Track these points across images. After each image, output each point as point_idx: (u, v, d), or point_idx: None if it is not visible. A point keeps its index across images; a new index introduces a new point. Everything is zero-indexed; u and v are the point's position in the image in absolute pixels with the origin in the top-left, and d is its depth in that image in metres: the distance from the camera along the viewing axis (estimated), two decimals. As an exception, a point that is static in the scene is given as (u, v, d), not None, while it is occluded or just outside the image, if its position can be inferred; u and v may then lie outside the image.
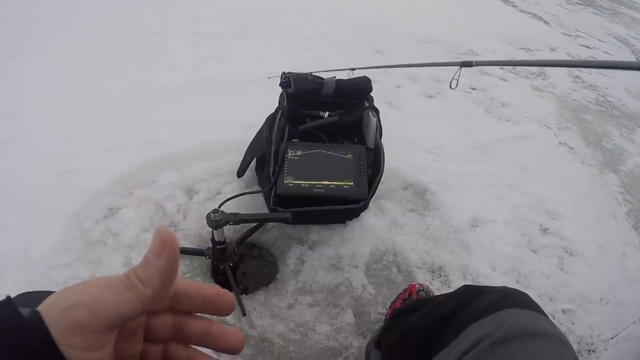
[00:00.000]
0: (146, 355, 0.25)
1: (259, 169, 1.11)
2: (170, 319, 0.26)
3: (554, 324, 0.45)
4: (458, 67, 0.53)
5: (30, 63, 1.57)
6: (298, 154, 0.97)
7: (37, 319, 0.19)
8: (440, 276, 1.03)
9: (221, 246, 0.84)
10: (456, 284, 1.02)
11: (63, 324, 0.19)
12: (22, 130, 1.24)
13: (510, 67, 2.27)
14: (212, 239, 0.83)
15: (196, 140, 1.24)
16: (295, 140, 1.03)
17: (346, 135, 1.10)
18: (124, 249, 0.95)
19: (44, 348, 0.18)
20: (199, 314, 0.27)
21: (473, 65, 0.51)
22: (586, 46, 2.94)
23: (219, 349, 0.26)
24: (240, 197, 0.96)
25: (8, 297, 0.20)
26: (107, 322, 0.20)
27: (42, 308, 0.19)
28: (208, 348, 0.26)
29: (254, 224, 0.99)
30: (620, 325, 1.04)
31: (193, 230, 1.02)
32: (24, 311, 0.19)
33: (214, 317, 0.27)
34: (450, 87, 0.53)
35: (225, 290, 0.26)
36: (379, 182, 0.98)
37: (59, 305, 0.19)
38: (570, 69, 2.47)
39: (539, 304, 0.48)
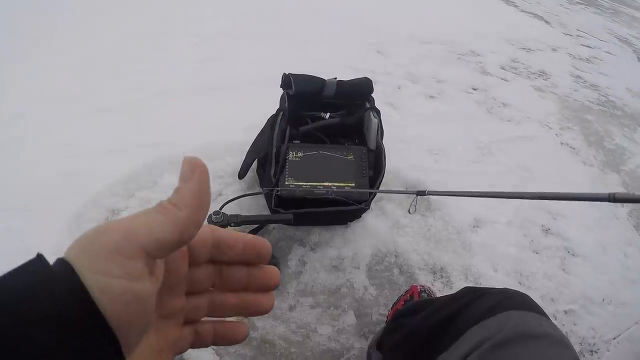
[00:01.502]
0: (192, 310, 0.25)
1: (260, 170, 1.11)
2: (211, 269, 0.25)
3: (555, 325, 0.45)
4: (414, 195, 0.59)
5: (35, 64, 1.57)
6: (299, 155, 0.97)
7: (65, 266, 0.17)
8: (442, 277, 1.03)
9: (223, 248, 0.84)
10: (458, 285, 1.02)
11: (96, 249, 0.18)
12: (26, 130, 1.25)
13: (512, 68, 2.26)
14: (214, 241, 0.83)
15: (197, 142, 1.24)
16: (296, 141, 1.03)
17: (347, 136, 1.10)
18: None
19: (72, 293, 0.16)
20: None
21: (426, 195, 0.58)
22: (588, 46, 2.93)
23: (260, 289, 0.26)
24: (242, 198, 0.97)
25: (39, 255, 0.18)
26: (142, 244, 0.19)
27: (72, 248, 0.18)
28: (249, 292, 0.26)
29: (256, 226, 0.99)
30: (622, 326, 1.04)
31: (194, 231, 1.02)
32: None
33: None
34: (409, 212, 0.59)
35: (261, 237, 0.26)
36: (380, 183, 0.98)
37: (89, 235, 0.18)
38: (572, 69, 2.46)
39: (540, 304, 0.48)
